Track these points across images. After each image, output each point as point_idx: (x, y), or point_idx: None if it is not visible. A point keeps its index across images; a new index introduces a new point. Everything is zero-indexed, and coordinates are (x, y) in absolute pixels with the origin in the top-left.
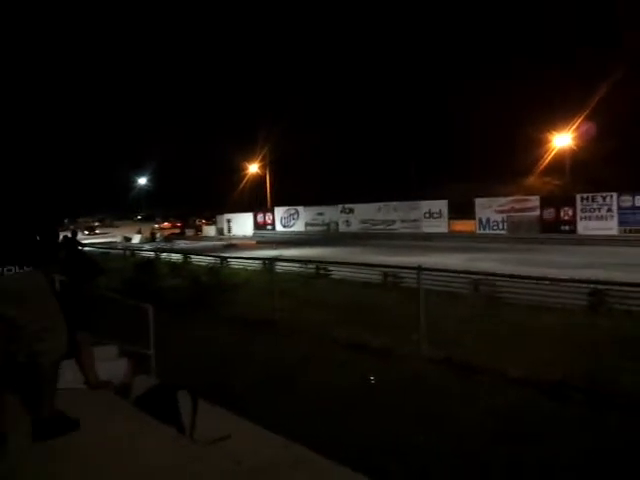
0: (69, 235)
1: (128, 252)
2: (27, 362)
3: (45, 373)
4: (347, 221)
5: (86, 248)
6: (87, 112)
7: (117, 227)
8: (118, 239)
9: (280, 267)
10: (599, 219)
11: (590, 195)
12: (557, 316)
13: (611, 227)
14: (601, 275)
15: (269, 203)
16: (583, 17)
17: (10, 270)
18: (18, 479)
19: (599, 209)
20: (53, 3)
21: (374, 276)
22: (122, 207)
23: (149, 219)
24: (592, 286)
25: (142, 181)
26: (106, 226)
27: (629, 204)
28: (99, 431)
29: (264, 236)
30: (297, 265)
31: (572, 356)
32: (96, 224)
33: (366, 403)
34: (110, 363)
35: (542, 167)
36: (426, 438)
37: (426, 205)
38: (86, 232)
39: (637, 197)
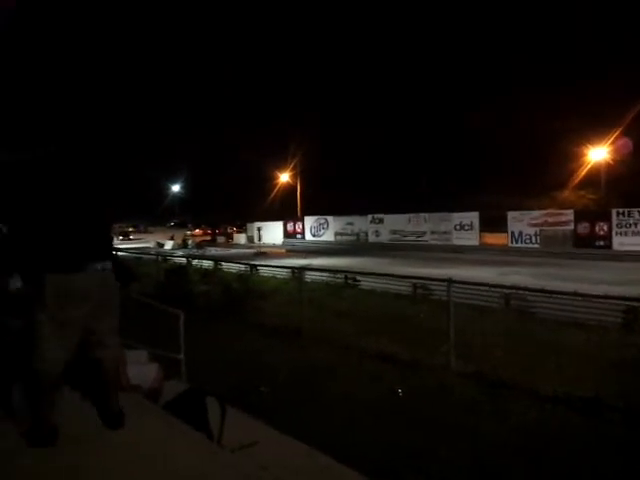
0: None
1: (160, 258)
2: (92, 361)
3: (111, 375)
4: (377, 231)
5: (120, 253)
6: (125, 120)
7: (151, 233)
8: (151, 245)
9: (309, 276)
10: (635, 234)
11: (626, 210)
12: (590, 333)
13: None
14: (637, 292)
15: (299, 212)
16: (622, 30)
17: (107, 267)
18: (47, 477)
19: (635, 224)
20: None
21: (403, 287)
22: (156, 214)
23: (182, 226)
24: (627, 303)
25: (175, 188)
26: (140, 232)
27: None
28: (129, 433)
29: (294, 245)
30: (326, 275)
31: (606, 374)
32: (130, 230)
33: (392, 414)
34: (140, 367)
35: (577, 181)
36: (451, 452)
37: (457, 217)
38: (120, 237)
39: None
